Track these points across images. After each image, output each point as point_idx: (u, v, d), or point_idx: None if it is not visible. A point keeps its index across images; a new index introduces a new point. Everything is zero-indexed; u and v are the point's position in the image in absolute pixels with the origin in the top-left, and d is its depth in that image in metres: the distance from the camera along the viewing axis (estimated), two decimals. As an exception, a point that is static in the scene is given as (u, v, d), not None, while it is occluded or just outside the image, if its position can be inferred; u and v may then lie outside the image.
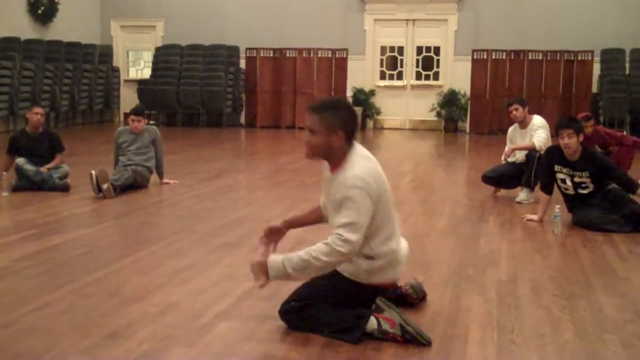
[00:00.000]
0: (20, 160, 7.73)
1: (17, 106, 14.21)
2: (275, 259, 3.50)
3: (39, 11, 16.09)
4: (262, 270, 3.51)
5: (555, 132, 6.43)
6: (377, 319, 3.51)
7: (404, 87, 17.30)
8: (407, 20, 17.07)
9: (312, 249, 3.43)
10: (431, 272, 4.82)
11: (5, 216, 6.77)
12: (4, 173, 7.70)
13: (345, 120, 3.55)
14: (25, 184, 7.68)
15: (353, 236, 3.39)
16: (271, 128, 16.65)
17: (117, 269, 4.79)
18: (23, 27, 15.57)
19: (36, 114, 8.03)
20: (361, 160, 3.55)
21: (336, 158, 3.56)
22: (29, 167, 7.69)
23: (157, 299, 4.13)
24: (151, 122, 9.76)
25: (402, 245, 3.82)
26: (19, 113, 14.12)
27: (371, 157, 3.64)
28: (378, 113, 17.17)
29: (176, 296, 4.17)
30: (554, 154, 6.49)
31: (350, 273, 3.61)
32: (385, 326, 3.48)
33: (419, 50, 17.22)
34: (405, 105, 17.21)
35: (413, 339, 3.44)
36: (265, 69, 17.17)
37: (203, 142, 14.02)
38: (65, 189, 7.67)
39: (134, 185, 7.83)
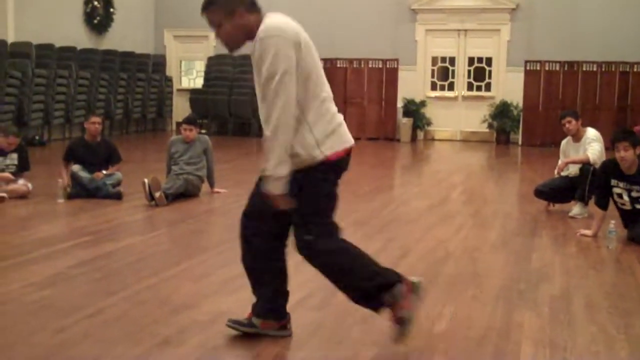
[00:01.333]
0: (75, 168, 7.88)
1: (73, 114, 14.50)
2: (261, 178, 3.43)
3: (95, 21, 16.41)
4: (270, 198, 3.34)
5: (610, 144, 6.31)
6: (400, 296, 3.42)
7: (455, 98, 17.18)
8: (459, 30, 16.96)
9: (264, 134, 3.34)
10: (482, 286, 4.76)
11: (60, 223, 6.90)
12: (59, 180, 7.86)
13: None
14: (80, 191, 7.81)
15: (285, 77, 3.21)
16: (321, 138, 16.64)
17: (169, 277, 4.84)
18: (79, 37, 15.89)
19: (94, 124, 8.17)
20: (273, 15, 3.40)
21: (252, 32, 3.38)
22: (84, 175, 7.84)
23: (208, 308, 4.16)
24: (203, 131, 9.86)
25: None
26: (75, 121, 14.41)
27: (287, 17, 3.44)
28: (429, 124, 17.07)
29: (226, 305, 4.19)
30: (610, 167, 6.36)
31: (304, 158, 3.36)
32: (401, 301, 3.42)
33: (471, 61, 17.09)
34: (456, 117, 17.08)
35: (403, 328, 3.44)
36: (315, 79, 17.17)
37: (253, 151, 14.11)
38: (118, 196, 7.79)
39: (186, 193, 7.91)
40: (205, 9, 3.42)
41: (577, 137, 7.56)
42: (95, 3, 16.36)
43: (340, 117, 3.51)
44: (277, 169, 3.25)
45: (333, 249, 3.44)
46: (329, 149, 3.38)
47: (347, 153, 3.50)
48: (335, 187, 3.51)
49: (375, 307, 3.51)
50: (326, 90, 3.47)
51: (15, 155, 7.96)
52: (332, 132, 3.41)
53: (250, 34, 3.38)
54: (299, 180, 3.36)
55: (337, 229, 3.50)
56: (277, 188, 3.29)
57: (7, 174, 7.75)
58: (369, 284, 3.43)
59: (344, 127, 3.53)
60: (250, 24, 3.38)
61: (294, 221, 3.46)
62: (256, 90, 3.44)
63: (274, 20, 3.33)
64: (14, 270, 4.93)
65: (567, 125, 7.56)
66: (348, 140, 3.51)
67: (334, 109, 3.49)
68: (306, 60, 3.33)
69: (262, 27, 3.29)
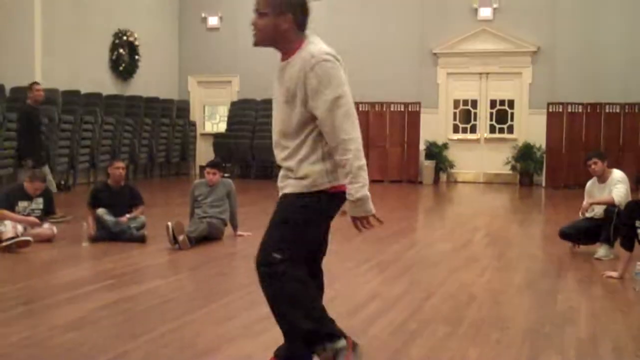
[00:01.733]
0: (100, 211, 7.96)
1: (98, 159, 14.69)
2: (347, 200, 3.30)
3: (120, 68, 16.71)
4: (365, 219, 3.32)
5: (635, 186, 6.26)
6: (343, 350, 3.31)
7: (477, 141, 17.18)
8: (481, 73, 17.04)
9: (340, 160, 3.24)
10: (507, 329, 4.71)
11: (85, 266, 6.94)
12: (84, 224, 7.93)
13: (294, 4, 3.34)
14: (104, 235, 7.88)
15: (350, 100, 3.24)
16: (343, 181, 16.67)
17: (192, 320, 4.84)
18: (105, 83, 16.17)
19: (118, 169, 8.27)
20: (318, 40, 3.37)
21: (286, 44, 3.35)
22: (109, 218, 7.91)
23: (231, 351, 4.15)
24: (226, 174, 9.92)
25: None
26: (100, 166, 14.58)
27: None
28: (451, 166, 17.07)
29: (249, 348, 4.18)
30: (635, 208, 6.31)
31: (310, 182, 3.32)
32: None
33: (493, 103, 17.13)
34: (479, 159, 17.07)
35: None
36: (338, 122, 17.29)
37: (276, 194, 14.11)
38: (142, 240, 7.83)
39: (209, 237, 7.94)
40: None
41: (603, 178, 7.51)
42: (121, 50, 16.66)
43: None
44: (366, 189, 3.23)
45: (294, 276, 3.30)
46: (335, 180, 3.34)
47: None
48: (328, 220, 3.48)
49: (302, 353, 3.41)
50: None
51: (40, 200, 8.07)
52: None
53: (280, 43, 3.36)
54: (296, 202, 3.34)
55: (305, 263, 3.40)
56: (371, 207, 3.26)
57: (33, 218, 7.84)
58: (311, 325, 3.32)
59: None
60: (288, 35, 3.34)
61: (270, 234, 3.38)
62: (277, 112, 3.42)
63: (325, 46, 3.33)
64: (39, 314, 4.96)
65: (593, 167, 7.50)
66: None
67: None
68: None
69: (315, 51, 3.26)
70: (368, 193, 3.24)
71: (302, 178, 3.33)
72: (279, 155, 3.45)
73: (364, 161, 3.23)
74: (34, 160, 9.47)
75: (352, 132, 3.22)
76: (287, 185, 3.42)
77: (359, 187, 3.21)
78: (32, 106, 9.84)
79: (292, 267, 3.30)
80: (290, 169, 3.39)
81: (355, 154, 3.20)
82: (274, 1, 3.31)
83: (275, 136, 3.43)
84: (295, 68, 3.28)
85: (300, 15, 3.35)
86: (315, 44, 3.31)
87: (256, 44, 3.44)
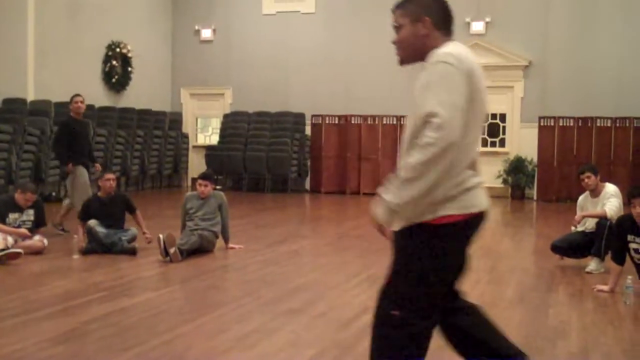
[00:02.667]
0: (92, 222, 7.94)
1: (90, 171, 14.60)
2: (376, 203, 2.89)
3: (113, 80, 16.70)
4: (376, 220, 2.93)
5: (627, 200, 6.29)
6: None
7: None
8: (473, 87, 17.07)
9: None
10: (499, 342, 4.70)
11: (75, 279, 6.91)
12: (75, 236, 7.90)
13: (430, 5, 3.01)
14: (95, 247, 7.86)
15: (444, 113, 2.67)
16: (336, 194, 16.72)
17: (183, 333, 4.82)
18: (97, 95, 16.13)
19: (108, 180, 8.29)
20: (452, 44, 2.95)
21: (428, 50, 2.94)
22: (100, 230, 7.89)
23: (222, 364, 4.13)
24: (217, 187, 9.92)
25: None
26: (92, 177, 14.51)
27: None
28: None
29: (241, 362, 4.17)
30: (626, 223, 6.34)
31: (410, 214, 2.84)
32: None
33: (486, 117, 17.16)
34: (470, 172, 17.08)
35: None
36: (330, 135, 17.36)
37: (268, 207, 14.15)
38: (133, 252, 7.82)
39: (200, 249, 7.92)
40: (398, 6, 3.07)
41: (596, 192, 7.52)
42: (114, 62, 16.66)
43: (474, 175, 2.98)
44: (395, 200, 2.77)
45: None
46: (445, 211, 2.86)
47: (471, 218, 2.93)
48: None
49: None
50: (474, 136, 2.99)
51: (31, 212, 8.04)
52: (451, 195, 2.87)
53: (424, 52, 2.97)
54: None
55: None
56: (386, 218, 2.85)
57: (23, 230, 7.81)
58: None
59: (480, 186, 3.01)
60: (429, 40, 2.98)
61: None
62: (408, 124, 2.96)
63: (450, 47, 2.90)
64: (29, 326, 4.93)
65: (586, 180, 7.50)
66: (474, 204, 2.93)
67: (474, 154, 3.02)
68: (470, 105, 2.84)
69: (434, 53, 2.87)
70: (394, 205, 2.78)
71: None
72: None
73: (430, 178, 2.71)
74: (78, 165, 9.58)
75: (436, 146, 2.69)
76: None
77: (393, 195, 2.79)
78: (73, 118, 9.88)
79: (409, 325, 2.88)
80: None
81: (410, 173, 2.75)
82: (407, 9, 3.02)
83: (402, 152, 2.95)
84: (422, 69, 2.91)
85: (439, 16, 3.02)
86: (446, 47, 2.90)
87: (401, 62, 3.11)
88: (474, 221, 2.93)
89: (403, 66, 3.14)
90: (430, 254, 2.85)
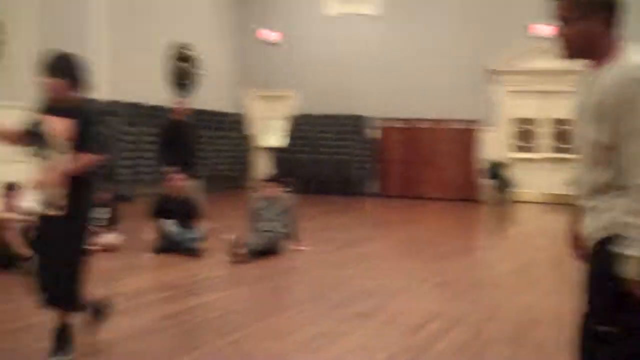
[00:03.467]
0: (164, 222, 8.07)
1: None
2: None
3: (180, 81, 16.94)
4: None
5: None
6: None
7: (538, 160, 16.90)
8: (541, 92, 16.78)
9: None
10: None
11: (147, 277, 7.02)
12: (147, 235, 8.03)
13: (606, 1, 2.64)
14: (166, 245, 7.97)
15: None
16: (401, 197, 16.61)
17: (251, 334, 4.84)
18: (165, 96, 16.38)
19: (178, 180, 8.42)
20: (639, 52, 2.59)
21: (600, 50, 2.63)
22: (172, 229, 8.02)
23: (290, 366, 4.13)
24: (287, 189, 9.96)
25: None
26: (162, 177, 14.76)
27: None
28: (512, 186, 16.81)
29: (309, 364, 4.16)
30: None
31: (605, 224, 2.58)
32: None
33: (554, 122, 16.84)
34: (540, 179, 16.77)
35: None
36: (396, 139, 17.27)
37: (336, 209, 14.14)
38: (198, 253, 7.86)
39: (269, 251, 7.96)
40: None
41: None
42: (181, 64, 16.91)
43: None
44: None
45: None
46: None
47: None
48: None
49: None
50: None
51: (106, 210, 8.20)
52: None
53: (594, 49, 2.65)
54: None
55: None
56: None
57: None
58: None
59: None
60: (602, 40, 2.65)
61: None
62: (579, 131, 2.70)
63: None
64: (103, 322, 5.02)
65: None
66: None
67: None
68: None
69: (631, 65, 2.53)
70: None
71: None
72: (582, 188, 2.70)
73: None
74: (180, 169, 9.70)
75: None
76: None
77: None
78: (172, 120, 9.95)
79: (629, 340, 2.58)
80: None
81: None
82: (581, 1, 2.64)
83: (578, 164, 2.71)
84: (608, 78, 2.56)
85: (615, 14, 2.66)
86: (634, 55, 2.59)
87: (569, 57, 2.73)
88: None
89: (569, 59, 2.77)
90: None
